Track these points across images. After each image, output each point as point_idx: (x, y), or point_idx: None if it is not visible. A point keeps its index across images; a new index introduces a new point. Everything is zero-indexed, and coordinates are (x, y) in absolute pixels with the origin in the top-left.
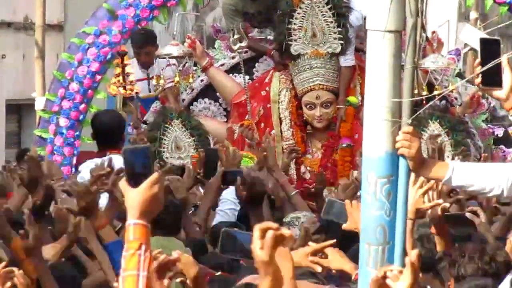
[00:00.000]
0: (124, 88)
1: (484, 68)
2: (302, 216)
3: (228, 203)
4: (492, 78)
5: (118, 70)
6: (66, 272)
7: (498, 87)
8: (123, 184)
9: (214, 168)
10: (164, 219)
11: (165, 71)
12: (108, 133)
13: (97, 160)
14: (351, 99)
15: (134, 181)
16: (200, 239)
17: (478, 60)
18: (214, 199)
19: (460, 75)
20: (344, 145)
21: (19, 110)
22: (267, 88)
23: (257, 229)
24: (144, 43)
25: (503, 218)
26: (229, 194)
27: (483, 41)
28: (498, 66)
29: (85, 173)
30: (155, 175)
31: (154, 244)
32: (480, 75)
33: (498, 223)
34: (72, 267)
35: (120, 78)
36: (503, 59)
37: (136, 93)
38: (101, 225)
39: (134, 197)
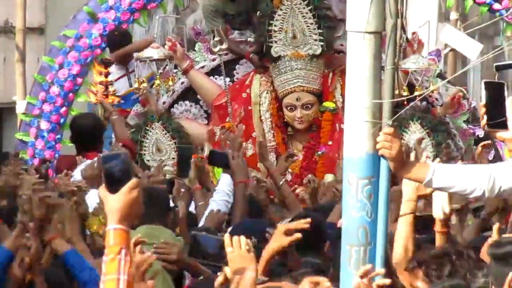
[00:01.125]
0: (107, 96)
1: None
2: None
3: (222, 193)
4: (498, 120)
5: (99, 78)
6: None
7: (503, 129)
8: (102, 190)
9: (188, 166)
10: (151, 208)
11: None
12: (86, 136)
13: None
14: (327, 104)
15: (113, 187)
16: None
17: (483, 102)
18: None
19: (441, 75)
20: (319, 153)
21: (0, 113)
22: (247, 90)
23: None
24: (119, 44)
25: (476, 221)
26: (224, 186)
27: (487, 84)
28: (503, 108)
29: (78, 176)
30: (133, 180)
31: (142, 233)
32: (485, 117)
33: (470, 226)
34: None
35: (102, 86)
36: (509, 102)
37: (118, 101)
38: (51, 237)
39: (113, 203)
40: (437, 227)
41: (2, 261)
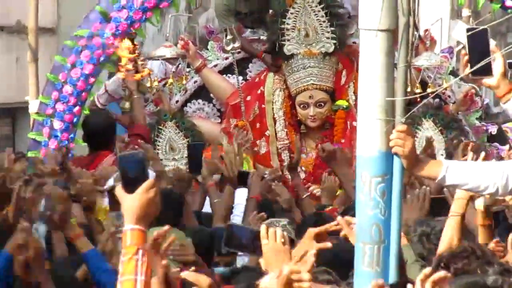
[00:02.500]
0: (137, 71)
1: (480, 64)
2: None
3: (243, 205)
4: (482, 67)
5: (126, 54)
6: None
7: (488, 75)
8: (119, 190)
9: (199, 162)
10: (165, 210)
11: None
12: (99, 135)
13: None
14: (340, 102)
15: (130, 187)
16: (200, 228)
17: (465, 51)
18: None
19: (454, 73)
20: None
21: (13, 113)
22: (261, 88)
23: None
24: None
25: None
26: (242, 198)
27: (470, 32)
28: (487, 54)
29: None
30: (150, 180)
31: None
32: (469, 65)
33: None
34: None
35: (130, 63)
36: (492, 46)
37: (149, 74)
38: (76, 235)
39: (130, 203)
40: (479, 220)
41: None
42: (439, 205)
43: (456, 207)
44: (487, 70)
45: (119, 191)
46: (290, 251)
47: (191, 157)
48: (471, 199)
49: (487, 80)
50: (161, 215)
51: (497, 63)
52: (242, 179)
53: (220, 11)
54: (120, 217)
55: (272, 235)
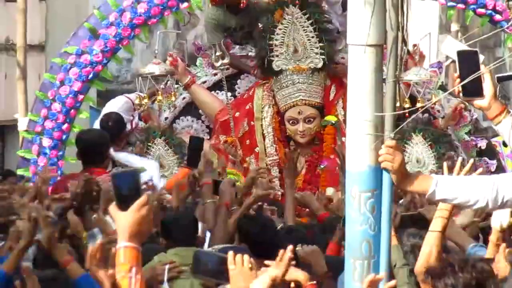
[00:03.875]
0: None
1: (467, 80)
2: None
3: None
4: (473, 88)
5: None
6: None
7: (479, 96)
8: (112, 208)
9: (198, 156)
10: (179, 232)
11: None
12: (92, 152)
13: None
14: (329, 118)
15: (123, 204)
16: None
17: (457, 73)
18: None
19: (443, 87)
20: (322, 166)
21: (2, 131)
22: (250, 104)
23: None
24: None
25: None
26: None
27: (460, 53)
28: (478, 76)
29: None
30: (143, 198)
31: (174, 255)
32: (460, 87)
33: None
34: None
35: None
36: (483, 69)
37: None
38: (66, 261)
39: (123, 220)
40: (493, 237)
41: None
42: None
43: (437, 225)
44: (478, 92)
45: (113, 209)
46: (256, 276)
47: (191, 151)
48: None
49: (478, 102)
50: (175, 236)
51: (487, 84)
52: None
53: (209, 26)
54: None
55: (239, 260)
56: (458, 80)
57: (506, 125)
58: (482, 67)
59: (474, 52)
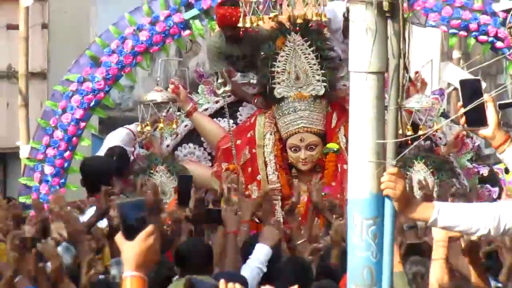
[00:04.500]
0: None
1: (468, 108)
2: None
3: (258, 261)
4: (477, 118)
5: None
6: None
7: (483, 126)
8: (118, 237)
9: (188, 195)
10: (194, 260)
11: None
12: (96, 179)
13: None
14: (331, 145)
15: (130, 234)
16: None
17: (461, 102)
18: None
19: (445, 114)
20: (323, 194)
21: (4, 158)
22: (251, 132)
23: None
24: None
25: None
26: (261, 255)
27: (463, 82)
28: (482, 105)
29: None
30: (150, 227)
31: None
32: (464, 116)
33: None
34: None
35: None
36: (486, 97)
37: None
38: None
39: (129, 250)
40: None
41: None
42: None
43: (438, 253)
44: (482, 121)
45: (119, 238)
46: None
47: (180, 190)
48: (451, 241)
49: (482, 131)
50: (190, 264)
51: (490, 113)
52: (210, 217)
53: (211, 54)
54: (119, 264)
55: None
56: (462, 109)
57: (510, 154)
58: (485, 95)
59: (477, 80)
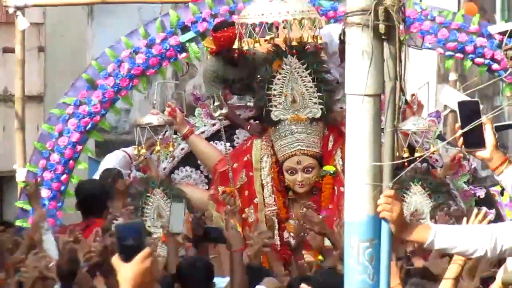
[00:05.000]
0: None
1: (466, 129)
2: None
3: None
4: (475, 139)
5: None
6: None
7: (481, 147)
8: (115, 259)
9: (180, 221)
10: (197, 277)
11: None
12: (92, 202)
13: None
14: (328, 168)
15: (126, 256)
16: None
17: (458, 124)
18: None
19: (441, 137)
20: (320, 216)
21: (0, 181)
22: (248, 156)
23: None
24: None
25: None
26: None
27: (461, 104)
28: (479, 127)
29: None
30: (147, 250)
31: None
32: (462, 138)
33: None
34: None
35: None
36: (483, 119)
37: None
38: None
39: (126, 272)
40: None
41: None
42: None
43: (451, 271)
44: (479, 143)
45: (116, 260)
46: None
47: (173, 217)
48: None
49: (480, 153)
50: (192, 282)
51: (488, 135)
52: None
53: (207, 78)
54: None
55: None
56: (460, 131)
57: (508, 175)
58: (483, 117)
59: (475, 102)
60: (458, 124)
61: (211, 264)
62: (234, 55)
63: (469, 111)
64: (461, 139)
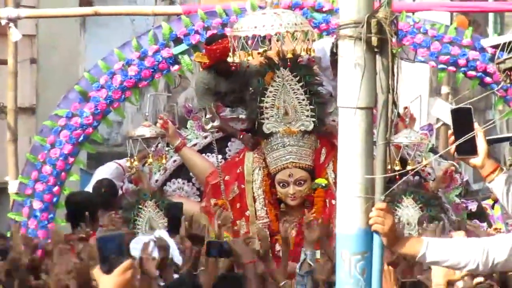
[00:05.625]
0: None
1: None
2: None
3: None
4: (467, 147)
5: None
6: None
7: (473, 155)
8: (96, 270)
9: (178, 222)
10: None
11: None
12: (82, 214)
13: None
14: (319, 180)
15: (108, 267)
16: None
17: (451, 131)
18: None
19: (433, 150)
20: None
21: None
22: (240, 168)
23: None
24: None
25: None
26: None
27: (454, 111)
28: (472, 135)
29: None
30: (128, 261)
31: None
32: (454, 145)
33: None
34: None
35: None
36: (476, 126)
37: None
38: None
39: (107, 283)
40: None
41: None
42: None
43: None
44: (472, 150)
45: (97, 272)
46: None
47: (170, 218)
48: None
49: (472, 160)
50: None
51: (480, 143)
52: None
53: (199, 90)
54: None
55: None
56: (453, 138)
57: (499, 183)
58: (475, 124)
59: (468, 109)
60: (450, 131)
61: (200, 284)
62: (229, 67)
63: (461, 118)
64: (453, 146)
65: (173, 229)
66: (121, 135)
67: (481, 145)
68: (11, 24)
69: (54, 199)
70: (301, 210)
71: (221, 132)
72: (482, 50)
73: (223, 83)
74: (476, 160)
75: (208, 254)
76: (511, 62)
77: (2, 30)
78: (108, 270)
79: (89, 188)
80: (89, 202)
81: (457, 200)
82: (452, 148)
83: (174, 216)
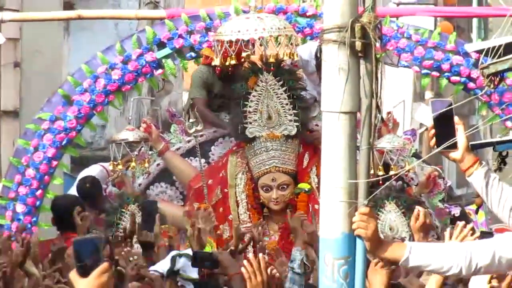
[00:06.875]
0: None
1: (442, 147)
2: None
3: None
4: (447, 140)
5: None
6: None
7: (453, 148)
8: (73, 274)
9: (153, 220)
10: None
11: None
12: (68, 217)
13: None
14: (302, 185)
15: (84, 271)
16: None
17: (431, 124)
18: None
19: (416, 155)
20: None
21: None
22: (223, 172)
23: None
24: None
25: None
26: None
27: (433, 103)
28: (452, 128)
29: None
30: (104, 265)
31: None
32: (435, 138)
33: None
34: None
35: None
36: (456, 120)
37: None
38: None
39: (83, 287)
40: None
41: None
42: None
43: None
44: (452, 144)
45: (73, 275)
46: None
47: (145, 215)
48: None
49: (452, 154)
50: None
51: (460, 137)
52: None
53: (195, 81)
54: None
55: None
56: (433, 131)
57: (478, 177)
58: (456, 118)
59: (447, 102)
60: (431, 124)
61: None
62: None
63: (441, 111)
64: (434, 140)
65: (147, 226)
66: (104, 139)
67: (461, 139)
68: None
69: (37, 203)
70: (284, 215)
71: (205, 136)
72: (466, 55)
73: (217, 84)
74: (455, 154)
75: (194, 265)
76: (495, 67)
77: None
78: (84, 274)
79: (73, 191)
80: (75, 206)
81: (440, 205)
82: (432, 141)
83: (149, 213)
